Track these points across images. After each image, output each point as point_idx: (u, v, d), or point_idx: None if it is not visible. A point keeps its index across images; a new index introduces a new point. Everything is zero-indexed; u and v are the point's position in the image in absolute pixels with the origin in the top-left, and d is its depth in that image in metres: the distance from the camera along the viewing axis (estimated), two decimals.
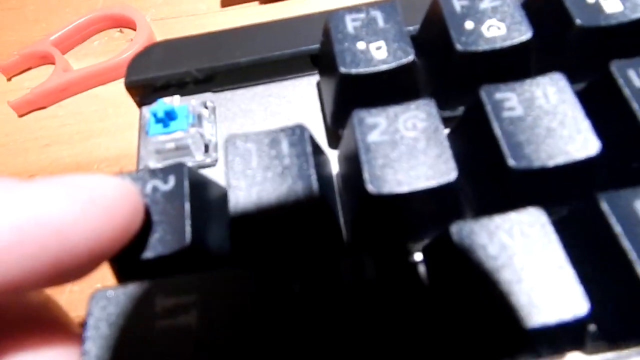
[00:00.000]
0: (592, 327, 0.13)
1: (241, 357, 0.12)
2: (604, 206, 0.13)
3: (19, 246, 0.10)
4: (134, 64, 0.19)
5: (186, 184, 0.14)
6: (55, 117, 0.25)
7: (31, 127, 0.25)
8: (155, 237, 0.13)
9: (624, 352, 0.13)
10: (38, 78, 0.26)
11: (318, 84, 0.19)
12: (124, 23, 0.28)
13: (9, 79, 0.27)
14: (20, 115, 0.25)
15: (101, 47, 0.28)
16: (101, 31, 0.29)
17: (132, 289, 0.13)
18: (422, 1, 0.18)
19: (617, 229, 0.12)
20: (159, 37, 0.28)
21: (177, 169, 0.14)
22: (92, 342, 0.12)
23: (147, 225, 0.14)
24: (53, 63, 0.26)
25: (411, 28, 0.18)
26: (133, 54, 0.26)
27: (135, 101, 0.20)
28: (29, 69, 0.27)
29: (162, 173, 0.14)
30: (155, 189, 0.14)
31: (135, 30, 0.28)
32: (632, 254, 0.12)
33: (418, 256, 0.15)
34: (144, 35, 0.27)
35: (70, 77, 0.25)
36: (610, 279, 0.13)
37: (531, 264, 0.12)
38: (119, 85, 0.25)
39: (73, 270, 0.11)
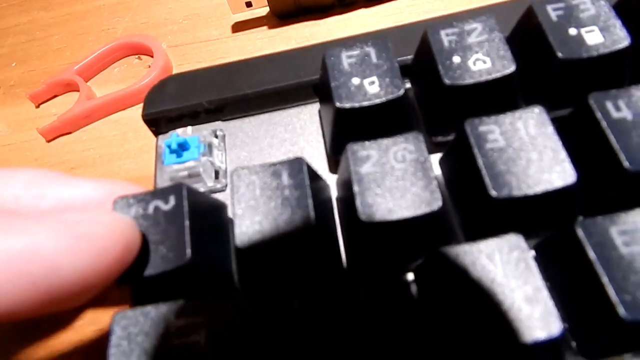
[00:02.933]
0: (573, 344, 0.14)
1: None
2: (580, 233, 0.14)
3: (10, 279, 0.11)
4: (150, 98, 0.21)
5: (185, 203, 0.15)
6: (80, 142, 0.27)
7: (58, 151, 0.27)
8: (157, 254, 0.15)
9: None
10: (64, 105, 0.28)
11: (319, 112, 0.21)
12: (142, 50, 0.30)
13: (37, 106, 0.29)
14: (49, 141, 0.27)
15: (121, 73, 0.30)
16: (121, 59, 0.31)
17: (150, 310, 0.14)
18: (416, 32, 0.19)
19: (591, 254, 0.13)
20: (175, 63, 0.30)
21: (176, 190, 0.16)
22: (115, 358, 0.14)
23: (150, 244, 0.15)
24: (77, 90, 0.28)
25: (406, 58, 0.20)
26: (151, 81, 0.28)
27: (152, 131, 0.21)
28: (55, 96, 0.29)
29: (163, 194, 0.16)
30: (157, 209, 0.15)
31: (152, 57, 0.30)
32: (604, 278, 0.13)
33: (410, 276, 0.16)
34: (161, 62, 0.29)
35: (93, 104, 0.27)
36: (586, 301, 0.14)
37: (510, 287, 0.13)
38: (138, 110, 0.27)
39: (65, 300, 0.12)
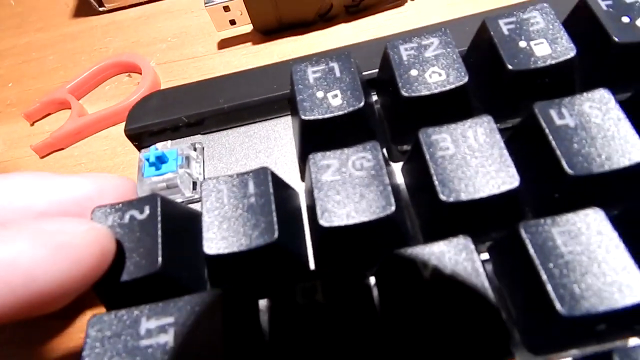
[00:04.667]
0: (522, 341, 0.15)
1: None
2: (523, 233, 0.14)
3: None
4: (132, 114, 0.22)
5: (159, 213, 0.16)
6: (71, 157, 0.28)
7: (51, 167, 0.28)
8: (131, 262, 0.16)
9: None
10: (57, 122, 0.30)
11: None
12: (132, 68, 0.32)
13: (32, 124, 0.30)
14: (42, 157, 0.29)
15: (112, 91, 0.31)
16: (112, 77, 0.32)
17: (123, 313, 0.15)
18: (381, 47, 0.20)
19: (532, 253, 0.14)
20: (163, 79, 0.31)
21: (151, 200, 0.17)
22: None
23: (125, 252, 0.16)
24: (69, 108, 0.30)
25: (373, 71, 0.21)
26: (139, 97, 0.29)
27: (135, 145, 0.22)
28: (49, 114, 0.31)
29: (139, 203, 0.17)
30: (132, 218, 0.16)
31: (141, 74, 0.31)
32: (543, 276, 0.14)
33: (372, 280, 0.17)
34: (149, 79, 0.30)
35: (84, 121, 0.28)
36: (530, 299, 0.15)
37: (458, 287, 0.14)
38: None
39: (43, 305, 0.13)
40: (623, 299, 0.13)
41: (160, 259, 0.15)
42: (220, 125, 0.23)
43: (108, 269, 0.15)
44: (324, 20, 0.31)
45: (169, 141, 0.22)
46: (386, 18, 0.31)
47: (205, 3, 0.29)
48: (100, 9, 0.35)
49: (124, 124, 0.29)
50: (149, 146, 0.22)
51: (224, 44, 0.32)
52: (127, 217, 0.17)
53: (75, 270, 0.14)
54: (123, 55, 0.32)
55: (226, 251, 0.16)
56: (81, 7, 0.36)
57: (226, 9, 0.29)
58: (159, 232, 0.16)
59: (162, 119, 0.22)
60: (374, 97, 0.21)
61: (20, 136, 0.30)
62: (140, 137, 0.22)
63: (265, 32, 0.31)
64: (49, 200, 0.16)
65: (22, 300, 0.13)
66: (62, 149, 0.29)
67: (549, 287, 0.14)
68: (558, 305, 0.13)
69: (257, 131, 0.22)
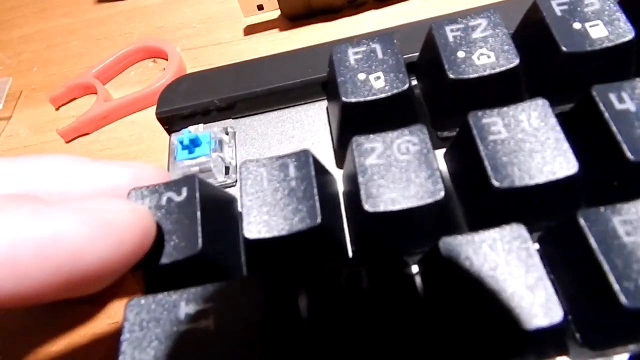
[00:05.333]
0: (577, 335, 0.14)
1: (251, 357, 0.13)
2: (582, 222, 0.14)
3: (35, 264, 0.12)
4: (163, 97, 0.22)
5: (197, 195, 0.16)
6: (97, 142, 0.28)
7: (77, 151, 0.28)
8: (170, 244, 0.15)
9: (606, 357, 0.14)
10: (82, 107, 0.29)
11: (327, 109, 0.21)
12: (157, 54, 0.31)
13: (57, 109, 0.30)
14: (67, 141, 0.28)
15: (137, 76, 0.31)
16: (137, 62, 0.31)
17: (161, 297, 0.15)
18: (422, 30, 0.19)
19: (593, 243, 0.13)
20: (189, 65, 0.30)
21: (189, 182, 0.16)
22: (128, 344, 0.14)
23: (163, 234, 0.15)
24: (95, 93, 0.29)
25: (412, 55, 0.20)
26: (165, 83, 0.28)
27: (165, 129, 0.22)
28: (74, 99, 0.30)
29: (176, 185, 0.16)
30: (169, 200, 0.16)
31: (167, 60, 0.30)
32: (605, 266, 0.13)
33: (415, 268, 0.16)
34: (175, 65, 0.30)
35: (110, 105, 0.28)
36: (589, 291, 0.14)
37: (512, 276, 0.14)
38: (153, 111, 0.28)
39: (85, 285, 0.13)
40: None
41: (200, 240, 0.15)
42: (252, 110, 0.22)
43: (149, 250, 0.15)
44: (354, 6, 0.30)
45: (201, 125, 0.21)
46: (418, 4, 0.30)
47: None
48: None
49: (150, 109, 0.29)
50: (179, 130, 0.22)
51: (251, 29, 0.31)
52: (164, 199, 0.16)
53: (118, 249, 0.13)
54: (149, 40, 0.31)
55: (267, 235, 0.15)
56: None
57: None
58: (198, 214, 0.15)
59: (193, 102, 0.21)
60: (414, 82, 0.20)
61: (46, 120, 0.30)
62: (171, 121, 0.22)
63: (293, 17, 0.31)
64: (87, 187, 0.16)
65: (65, 278, 0.12)
66: (88, 133, 0.28)
67: (612, 279, 0.13)
68: (622, 298, 0.12)
69: (289, 116, 0.22)
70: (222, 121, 0.22)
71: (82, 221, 0.13)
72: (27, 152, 0.29)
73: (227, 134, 0.21)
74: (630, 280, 0.13)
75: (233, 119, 0.22)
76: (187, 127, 0.22)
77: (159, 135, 0.28)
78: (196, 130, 0.21)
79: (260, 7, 0.30)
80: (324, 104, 0.21)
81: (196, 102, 0.22)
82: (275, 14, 0.31)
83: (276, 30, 0.31)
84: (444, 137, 0.19)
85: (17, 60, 0.33)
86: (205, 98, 0.22)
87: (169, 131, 0.22)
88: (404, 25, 0.22)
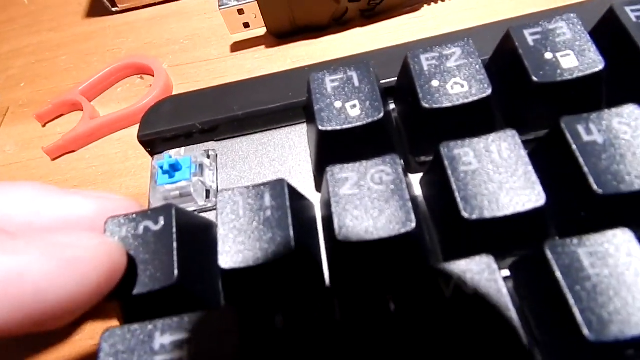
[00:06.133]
0: None
1: None
2: (548, 254, 0.14)
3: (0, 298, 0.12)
4: (145, 120, 0.22)
5: (174, 224, 0.16)
6: (83, 160, 0.28)
7: (63, 169, 0.28)
8: (147, 274, 0.15)
9: None
10: (69, 124, 0.30)
11: (308, 132, 0.21)
12: (144, 70, 0.31)
13: (43, 125, 0.30)
14: (53, 159, 0.28)
15: (124, 93, 0.31)
16: (124, 78, 0.32)
17: (136, 328, 0.15)
18: (401, 55, 0.20)
19: (559, 275, 0.14)
20: (175, 82, 0.31)
21: (166, 211, 0.16)
22: None
23: (139, 264, 0.15)
24: (81, 110, 0.30)
25: (392, 79, 0.20)
26: (151, 101, 0.29)
27: (148, 152, 0.22)
28: (61, 115, 0.31)
29: (153, 214, 0.16)
30: (146, 229, 0.16)
31: (153, 76, 0.31)
32: (570, 299, 0.13)
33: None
34: (161, 81, 0.30)
35: (95, 123, 0.28)
36: (555, 322, 0.14)
37: (480, 308, 0.14)
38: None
39: (51, 320, 0.13)
40: None
41: (176, 271, 0.15)
42: (234, 132, 0.22)
43: (118, 285, 0.15)
44: (339, 24, 0.31)
45: (182, 148, 0.22)
46: (402, 22, 0.30)
47: (219, 6, 0.28)
48: (113, 9, 0.35)
49: (136, 127, 0.29)
50: (161, 152, 0.22)
51: (237, 46, 0.32)
52: (141, 228, 0.16)
53: (84, 285, 0.13)
54: (135, 57, 0.31)
55: (242, 265, 0.15)
56: (94, 7, 0.36)
57: (240, 11, 0.29)
58: (174, 244, 0.16)
59: (175, 125, 0.22)
60: (392, 106, 0.21)
61: (32, 137, 0.30)
62: (153, 144, 0.22)
63: (279, 35, 0.31)
64: (52, 217, 0.16)
65: (29, 314, 0.12)
66: (74, 151, 0.29)
67: (576, 311, 0.13)
68: (585, 331, 0.13)
69: (271, 139, 0.22)
70: (204, 143, 0.22)
71: (47, 256, 0.13)
72: (13, 169, 0.29)
73: (208, 157, 0.21)
74: (594, 313, 0.13)
75: (215, 141, 0.22)
76: (169, 149, 0.22)
77: (144, 154, 0.28)
78: (177, 154, 0.21)
79: (246, 25, 0.30)
80: (304, 127, 0.22)
81: (178, 125, 0.22)
82: (262, 31, 0.31)
83: (262, 47, 0.31)
84: (422, 162, 0.19)
85: (5, 76, 0.34)
86: (188, 121, 0.22)
87: (152, 153, 0.22)
88: (383, 50, 0.22)
